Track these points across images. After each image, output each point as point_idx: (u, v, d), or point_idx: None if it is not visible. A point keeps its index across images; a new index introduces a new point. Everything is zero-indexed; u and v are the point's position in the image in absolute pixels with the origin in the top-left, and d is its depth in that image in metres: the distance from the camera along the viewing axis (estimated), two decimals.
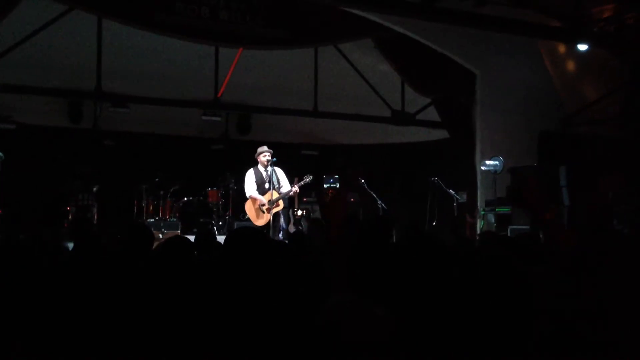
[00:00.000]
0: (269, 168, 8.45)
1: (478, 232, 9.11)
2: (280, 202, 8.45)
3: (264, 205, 8.38)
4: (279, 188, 8.48)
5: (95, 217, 10.29)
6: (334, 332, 1.66)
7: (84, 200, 10.36)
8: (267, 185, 8.45)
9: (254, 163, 8.68)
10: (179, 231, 9.70)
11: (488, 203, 9.28)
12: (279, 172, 8.63)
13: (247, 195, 8.55)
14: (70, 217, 10.26)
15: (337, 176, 11.53)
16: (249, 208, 8.59)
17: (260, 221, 8.41)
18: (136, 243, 3.37)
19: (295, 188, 8.64)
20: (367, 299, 1.79)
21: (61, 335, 2.29)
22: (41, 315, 2.38)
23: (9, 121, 10.20)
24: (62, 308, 2.41)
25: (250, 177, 8.58)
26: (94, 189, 10.44)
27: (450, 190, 9.41)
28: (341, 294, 1.99)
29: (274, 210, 8.36)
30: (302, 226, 10.30)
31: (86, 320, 2.34)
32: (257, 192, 8.49)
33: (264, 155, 8.51)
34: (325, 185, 11.45)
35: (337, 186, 11.31)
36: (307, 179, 8.65)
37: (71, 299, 2.47)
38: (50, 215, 10.25)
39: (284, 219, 8.75)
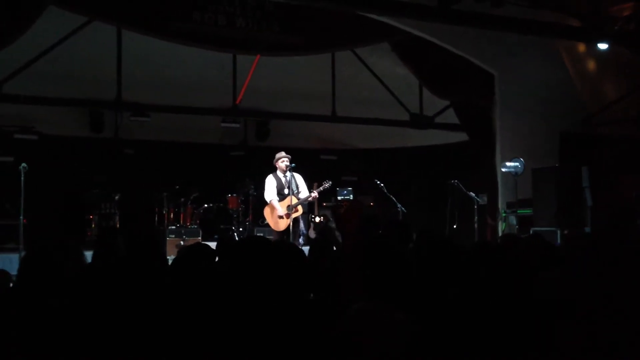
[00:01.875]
0: (288, 174, 8.45)
1: (499, 234, 9.04)
2: (300, 207, 8.45)
3: (281, 216, 8.39)
4: (298, 194, 8.49)
5: (118, 225, 10.43)
6: (357, 338, 1.67)
7: (106, 209, 10.52)
8: (286, 191, 8.46)
9: (272, 169, 8.70)
10: (199, 238, 9.77)
11: (509, 205, 9.20)
12: (298, 177, 8.63)
13: (267, 200, 8.55)
14: (93, 225, 10.40)
15: (350, 188, 11.50)
16: (267, 213, 8.61)
17: (280, 226, 8.43)
18: (144, 251, 3.41)
19: (315, 193, 8.65)
20: (387, 304, 1.79)
21: (82, 342, 2.32)
22: (65, 323, 2.42)
23: (32, 132, 10.37)
24: (85, 316, 2.45)
25: (270, 183, 8.59)
26: (116, 197, 10.58)
27: (471, 193, 9.34)
28: (363, 301, 2.00)
29: (294, 216, 8.36)
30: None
31: (108, 327, 2.37)
32: (277, 198, 8.50)
33: (283, 160, 8.51)
34: (339, 197, 11.41)
35: (351, 197, 11.28)
36: (327, 185, 8.66)
37: (95, 307, 2.50)
38: (74, 224, 10.39)
39: (304, 224, 8.73)
